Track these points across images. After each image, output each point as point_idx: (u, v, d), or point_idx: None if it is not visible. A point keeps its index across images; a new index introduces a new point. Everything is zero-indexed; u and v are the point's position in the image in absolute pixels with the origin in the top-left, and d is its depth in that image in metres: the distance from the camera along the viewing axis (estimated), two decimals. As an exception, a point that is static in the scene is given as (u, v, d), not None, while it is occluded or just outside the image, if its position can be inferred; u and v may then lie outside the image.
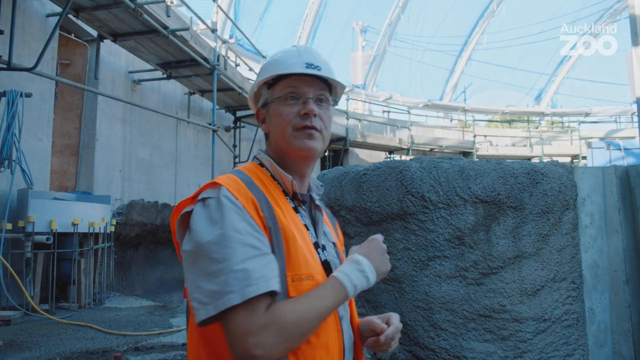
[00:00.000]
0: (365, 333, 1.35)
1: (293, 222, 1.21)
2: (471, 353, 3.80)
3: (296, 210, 1.27)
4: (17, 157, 6.18)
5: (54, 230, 6.02)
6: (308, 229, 1.27)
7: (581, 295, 4.09)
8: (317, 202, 1.35)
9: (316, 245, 1.26)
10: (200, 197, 1.14)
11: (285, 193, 1.28)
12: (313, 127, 1.25)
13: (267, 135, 1.35)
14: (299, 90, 1.27)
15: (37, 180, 6.77)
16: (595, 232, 4.22)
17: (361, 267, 1.17)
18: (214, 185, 1.15)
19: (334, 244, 1.36)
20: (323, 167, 17.27)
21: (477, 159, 4.17)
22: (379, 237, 1.22)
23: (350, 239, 3.97)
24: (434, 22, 28.68)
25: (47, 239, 5.93)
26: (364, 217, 3.97)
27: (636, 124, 24.11)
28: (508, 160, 4.25)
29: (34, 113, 7.05)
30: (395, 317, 1.36)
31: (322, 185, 1.41)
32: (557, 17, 27.29)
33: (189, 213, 1.14)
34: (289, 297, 1.09)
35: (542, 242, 4.00)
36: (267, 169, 1.31)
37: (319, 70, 1.28)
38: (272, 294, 1.05)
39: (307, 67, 1.26)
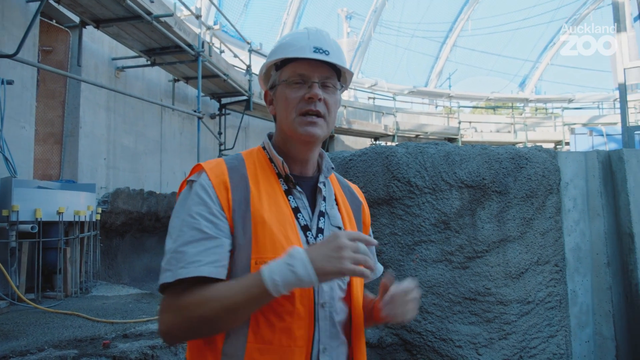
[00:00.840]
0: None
1: (274, 206, 1.23)
2: (457, 335, 3.86)
3: (289, 192, 1.29)
4: (0, 146, 6.10)
5: (39, 219, 5.96)
6: (299, 212, 1.27)
7: (564, 277, 4.17)
8: (320, 185, 1.34)
9: (305, 228, 1.26)
10: (188, 179, 1.27)
11: (280, 174, 1.31)
12: (317, 112, 1.26)
13: (275, 117, 1.37)
14: (305, 75, 1.27)
15: (20, 168, 6.69)
16: (578, 215, 4.30)
17: (291, 260, 1.07)
18: (198, 169, 1.27)
19: (341, 228, 1.34)
20: (309, 154, 17.23)
21: (462, 145, 4.22)
22: (343, 234, 1.10)
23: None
24: (419, 9, 28.62)
25: (32, 228, 5.87)
26: (351, 203, 4.00)
27: (618, 110, 24.43)
28: (493, 146, 4.30)
29: (16, 101, 6.94)
30: (409, 282, 1.31)
31: (332, 168, 1.41)
32: (541, 4, 27.42)
33: None
34: None
35: (526, 226, 4.07)
36: (266, 151, 1.36)
37: (327, 55, 1.27)
38: (205, 279, 1.11)
39: (315, 52, 1.26)
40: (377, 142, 19.22)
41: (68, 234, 6.56)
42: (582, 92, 27.30)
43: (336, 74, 1.33)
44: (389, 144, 17.82)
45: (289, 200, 1.27)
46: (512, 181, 4.11)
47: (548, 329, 4.05)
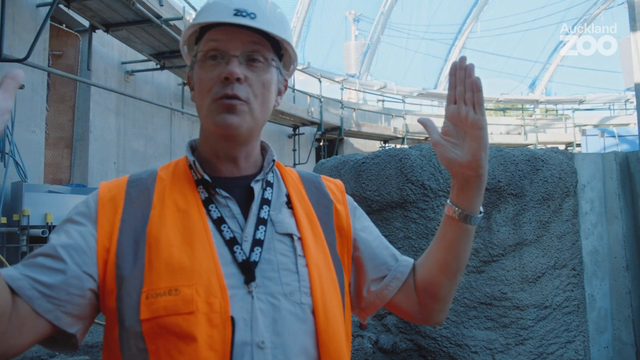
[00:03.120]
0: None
1: (180, 222, 0.93)
2: (472, 341, 3.79)
3: (210, 200, 0.98)
4: (11, 150, 6.11)
5: (50, 224, 5.98)
6: (223, 223, 0.96)
7: (582, 282, 4.09)
8: (254, 185, 1.01)
9: (232, 241, 0.94)
10: None
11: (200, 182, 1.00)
12: (234, 96, 0.94)
13: None
14: (221, 46, 0.96)
15: (30, 173, 6.71)
16: (596, 218, 4.22)
17: None
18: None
19: (293, 236, 0.99)
20: (318, 157, 17.25)
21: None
22: None
23: (350, 228, 3.96)
24: (428, 11, 28.55)
25: (43, 232, 5.88)
26: (364, 206, 3.94)
27: (630, 111, 24.21)
28: (508, 148, 4.23)
29: (27, 105, 6.97)
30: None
31: (273, 161, 1.07)
32: (551, 4, 27.26)
33: None
34: (142, 320, 0.84)
35: (543, 229, 3.99)
36: None
37: (253, 18, 0.95)
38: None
39: (235, 15, 0.94)
40: (387, 145, 19.16)
41: (78, 238, 6.56)
42: (593, 93, 27.09)
43: (272, 47, 1.00)
44: (398, 146, 17.76)
45: (209, 211, 0.96)
46: (528, 184, 4.04)
47: (566, 334, 3.98)
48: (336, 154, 16.76)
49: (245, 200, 1.00)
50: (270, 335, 0.87)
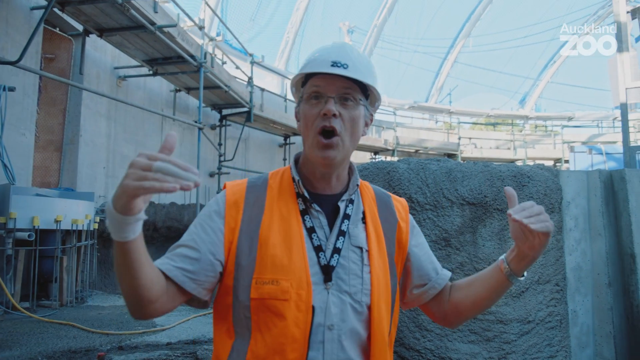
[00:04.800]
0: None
1: (284, 227, 1.23)
2: (456, 354, 3.82)
3: (306, 211, 1.26)
4: (-1, 152, 6.08)
5: (36, 227, 5.93)
6: (314, 232, 1.24)
7: (565, 297, 4.13)
8: (340, 204, 1.29)
9: (318, 248, 1.22)
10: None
11: (299, 194, 1.29)
12: (332, 129, 1.21)
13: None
14: (322, 90, 1.24)
15: (19, 175, 6.66)
16: (579, 235, 4.27)
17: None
18: (224, 187, 1.33)
19: (362, 249, 1.27)
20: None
21: (463, 161, 4.20)
22: (141, 153, 1.04)
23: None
24: (421, 24, 28.80)
25: (29, 236, 5.84)
26: (352, 218, 3.97)
27: (617, 129, 24.50)
28: (495, 163, 4.28)
29: (17, 107, 6.94)
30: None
31: (357, 185, 1.34)
32: (542, 22, 27.61)
33: None
34: (251, 298, 1.16)
35: (527, 245, 4.03)
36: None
37: (345, 68, 1.22)
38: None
39: (332, 66, 1.21)
40: (377, 157, 19.23)
41: (65, 243, 6.51)
42: (582, 110, 27.38)
43: (360, 89, 1.27)
44: (388, 158, 17.85)
45: (304, 220, 1.25)
46: (513, 199, 4.07)
47: (548, 349, 4.01)
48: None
49: (332, 214, 1.29)
50: (338, 321, 1.18)
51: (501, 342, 3.90)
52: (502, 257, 1.32)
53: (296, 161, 1.36)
